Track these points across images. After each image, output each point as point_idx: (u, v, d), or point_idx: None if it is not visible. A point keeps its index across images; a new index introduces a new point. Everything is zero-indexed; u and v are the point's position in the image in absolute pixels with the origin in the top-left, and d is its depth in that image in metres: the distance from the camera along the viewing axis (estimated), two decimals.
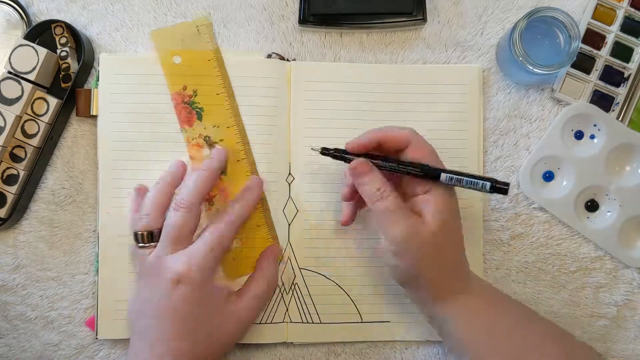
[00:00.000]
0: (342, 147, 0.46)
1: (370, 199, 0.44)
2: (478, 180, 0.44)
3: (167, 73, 0.51)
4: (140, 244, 0.47)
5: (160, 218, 0.47)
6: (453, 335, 0.45)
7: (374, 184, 0.44)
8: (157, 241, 0.46)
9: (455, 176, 0.44)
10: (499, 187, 0.44)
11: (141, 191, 0.50)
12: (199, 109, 0.51)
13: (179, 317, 0.44)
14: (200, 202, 0.47)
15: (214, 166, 0.49)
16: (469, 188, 0.44)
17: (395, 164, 0.45)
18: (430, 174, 0.44)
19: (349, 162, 0.46)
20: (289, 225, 0.52)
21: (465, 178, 0.44)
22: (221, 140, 0.51)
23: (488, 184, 0.44)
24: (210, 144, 0.51)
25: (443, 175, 0.44)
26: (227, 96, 0.51)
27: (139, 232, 0.47)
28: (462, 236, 0.46)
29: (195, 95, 0.51)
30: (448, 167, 0.52)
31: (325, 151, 0.47)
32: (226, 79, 0.51)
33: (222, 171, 0.50)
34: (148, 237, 0.47)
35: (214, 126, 0.51)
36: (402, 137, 0.45)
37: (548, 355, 0.43)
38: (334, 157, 0.47)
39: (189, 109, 0.51)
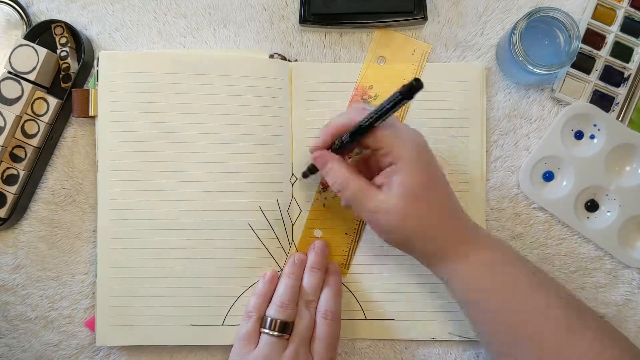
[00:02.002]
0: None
1: (333, 189, 0.46)
2: (391, 100, 0.41)
3: (365, 66, 0.53)
4: (270, 331, 0.47)
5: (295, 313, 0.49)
6: (455, 295, 0.46)
7: (332, 176, 0.46)
8: (289, 334, 0.47)
9: (374, 117, 0.43)
10: (411, 88, 0.40)
11: (274, 278, 0.51)
12: None
13: None
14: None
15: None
16: (390, 112, 0.42)
17: (341, 140, 0.45)
18: (357, 132, 0.44)
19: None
20: (293, 225, 0.52)
21: (381, 110, 0.42)
22: (367, 146, 0.51)
23: (398, 93, 0.40)
24: None
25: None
26: (397, 118, 0.52)
27: (278, 320, 0.47)
28: (447, 195, 0.45)
29: (374, 99, 0.53)
30: (450, 165, 0.53)
31: (305, 174, 0.50)
32: (407, 104, 0.52)
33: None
34: (281, 328, 0.47)
35: None
36: (348, 119, 0.45)
37: (553, 320, 0.42)
38: (312, 171, 0.49)
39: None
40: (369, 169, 0.48)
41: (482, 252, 0.44)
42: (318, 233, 0.53)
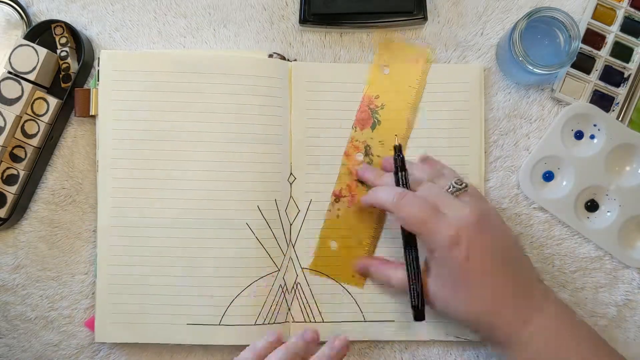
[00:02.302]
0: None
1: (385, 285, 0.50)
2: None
3: (370, 76, 0.53)
4: None
5: None
6: None
7: (377, 278, 0.51)
8: None
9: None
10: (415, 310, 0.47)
11: (278, 341, 0.46)
12: (377, 120, 0.53)
13: None
14: None
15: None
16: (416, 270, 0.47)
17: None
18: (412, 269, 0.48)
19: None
20: (291, 225, 0.52)
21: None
22: (378, 155, 0.53)
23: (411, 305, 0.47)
24: (367, 154, 0.53)
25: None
26: (406, 125, 0.52)
27: None
28: (508, 273, 0.44)
29: (381, 108, 0.53)
30: (449, 164, 0.53)
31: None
32: (414, 111, 0.53)
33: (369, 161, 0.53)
34: None
35: (380, 141, 0.53)
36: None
37: None
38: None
39: (369, 115, 0.53)
40: None
41: (544, 334, 0.43)
42: (333, 244, 0.52)
